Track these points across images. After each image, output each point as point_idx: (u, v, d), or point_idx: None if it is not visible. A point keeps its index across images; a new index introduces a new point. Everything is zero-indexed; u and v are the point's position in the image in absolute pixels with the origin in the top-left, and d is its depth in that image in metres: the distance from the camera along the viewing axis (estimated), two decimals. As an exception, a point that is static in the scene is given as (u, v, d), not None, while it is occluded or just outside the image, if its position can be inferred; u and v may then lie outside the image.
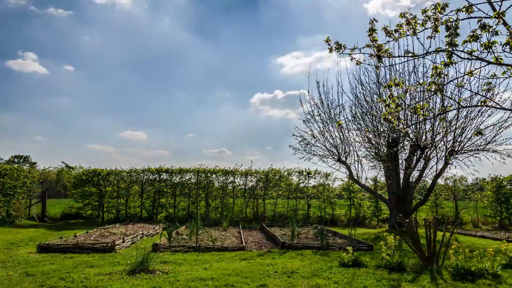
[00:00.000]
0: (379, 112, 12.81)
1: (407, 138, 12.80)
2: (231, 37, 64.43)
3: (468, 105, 11.22)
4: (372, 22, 4.61)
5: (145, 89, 67.71)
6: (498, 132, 11.95)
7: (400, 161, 13.70)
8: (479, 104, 5.03)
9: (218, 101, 68.24)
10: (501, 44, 3.86)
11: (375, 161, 14.13)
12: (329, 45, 4.83)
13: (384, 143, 13.58)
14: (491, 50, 3.94)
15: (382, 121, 12.73)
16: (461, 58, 4.25)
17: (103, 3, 61.09)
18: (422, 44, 4.38)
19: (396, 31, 4.47)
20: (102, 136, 73.53)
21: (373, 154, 13.86)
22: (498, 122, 11.86)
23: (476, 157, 12.61)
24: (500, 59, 4.04)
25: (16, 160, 67.27)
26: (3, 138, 72.03)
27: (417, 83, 11.38)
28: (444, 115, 10.14)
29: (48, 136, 72.83)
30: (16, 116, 67.14)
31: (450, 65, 4.33)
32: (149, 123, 71.79)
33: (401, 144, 13.36)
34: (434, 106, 11.83)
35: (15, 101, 66.34)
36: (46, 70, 63.46)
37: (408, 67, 12.80)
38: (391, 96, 5.04)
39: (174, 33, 59.02)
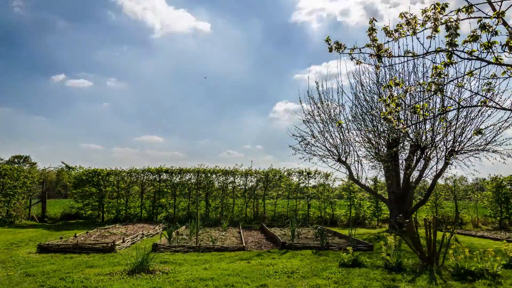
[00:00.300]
0: (379, 112, 12.81)
1: (407, 138, 12.80)
2: (265, 58, 74.61)
3: (468, 105, 11.22)
4: (372, 21, 4.61)
5: (180, 100, 77.51)
6: (498, 132, 11.95)
7: (400, 161, 13.69)
8: (479, 104, 5.03)
9: (241, 111, 78.00)
10: (501, 45, 3.86)
11: (375, 161, 14.13)
12: (329, 44, 4.82)
13: (384, 143, 13.58)
14: (491, 50, 3.94)
15: (382, 121, 12.73)
16: (461, 58, 4.25)
17: (161, 36, 71.77)
18: (422, 44, 4.38)
19: (396, 31, 4.47)
20: (127, 139, 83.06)
21: (373, 154, 13.86)
22: (498, 122, 11.87)
23: (476, 157, 12.61)
24: (500, 59, 4.04)
25: (16, 160, 67.54)
26: (41, 141, 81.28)
27: (417, 83, 11.39)
28: (444, 115, 10.14)
29: (79, 138, 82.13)
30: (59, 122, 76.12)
31: (450, 65, 4.33)
32: (174, 129, 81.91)
33: (401, 144, 13.36)
34: (434, 106, 11.82)
35: (63, 110, 75.59)
36: (92, 84, 72.65)
37: (408, 67, 12.80)
38: (391, 96, 5.04)
39: (212, 54, 70.57)
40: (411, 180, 13.42)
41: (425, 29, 4.31)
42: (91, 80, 74.12)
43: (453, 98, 10.73)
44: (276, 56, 78.05)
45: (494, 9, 3.96)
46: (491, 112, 11.78)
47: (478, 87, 10.85)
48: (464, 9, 3.97)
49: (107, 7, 68.07)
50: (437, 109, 11.49)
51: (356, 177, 13.95)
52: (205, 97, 79.02)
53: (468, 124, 11.99)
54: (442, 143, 12.55)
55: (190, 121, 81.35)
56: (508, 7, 3.85)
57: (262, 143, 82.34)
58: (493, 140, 12.04)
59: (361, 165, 13.94)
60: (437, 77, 4.53)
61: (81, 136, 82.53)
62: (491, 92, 10.06)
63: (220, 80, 76.68)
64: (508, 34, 3.77)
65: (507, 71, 4.24)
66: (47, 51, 63.66)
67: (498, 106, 5.41)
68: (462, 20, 4.05)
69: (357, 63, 4.95)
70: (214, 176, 17.20)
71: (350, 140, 13.82)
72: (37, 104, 77.88)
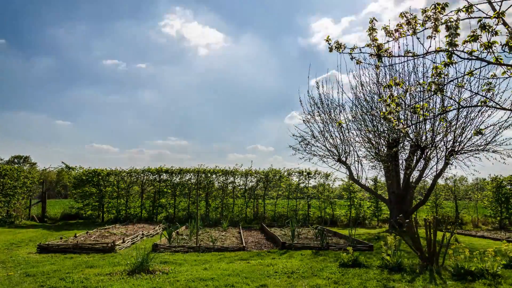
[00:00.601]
0: (379, 112, 12.82)
1: (407, 138, 12.80)
2: (286, 72, 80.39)
3: (468, 105, 11.22)
4: (372, 21, 4.61)
5: (202, 108, 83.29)
6: (498, 132, 11.96)
7: (400, 161, 13.70)
8: (479, 104, 5.02)
9: (259, 118, 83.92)
10: (501, 44, 3.86)
11: (375, 161, 14.13)
12: (329, 44, 4.82)
13: (384, 143, 13.58)
14: (491, 50, 3.94)
15: (382, 121, 12.73)
16: (461, 58, 4.24)
17: (196, 54, 79.45)
18: (422, 44, 4.38)
19: (396, 30, 4.47)
20: (145, 142, 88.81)
21: (373, 154, 13.86)
22: (498, 122, 11.87)
23: (476, 157, 12.62)
24: (500, 59, 4.04)
25: (16, 160, 67.62)
26: (67, 144, 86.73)
27: (417, 83, 11.39)
28: (444, 115, 10.14)
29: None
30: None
31: (450, 65, 4.33)
32: (191, 133, 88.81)
33: (401, 144, 13.36)
34: (434, 106, 11.83)
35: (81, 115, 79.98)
36: (125, 95, 79.05)
37: (408, 67, 12.79)
38: (391, 96, 5.04)
39: (240, 67, 77.59)
40: (411, 180, 13.42)
41: (425, 29, 4.31)
42: (124, 91, 79.68)
43: (453, 98, 10.73)
44: (295, 71, 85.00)
45: (494, 9, 3.96)
46: (491, 112, 11.78)
47: (478, 87, 10.85)
48: (464, 9, 3.97)
49: (149, 28, 75.01)
50: (437, 109, 11.49)
51: (356, 177, 13.94)
52: (228, 106, 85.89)
53: (468, 124, 12.00)
54: (442, 143, 12.56)
55: (211, 126, 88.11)
56: (508, 7, 3.85)
57: (274, 145, 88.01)
58: (493, 140, 12.04)
59: (361, 165, 13.96)
60: (437, 77, 4.53)
61: (98, 138, 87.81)
62: (491, 92, 10.04)
63: (244, 92, 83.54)
64: (508, 34, 3.77)
65: (507, 71, 4.24)
66: (89, 65, 70.31)
67: (498, 106, 5.41)
68: (462, 20, 4.05)
69: (357, 63, 4.95)
70: (214, 176, 17.19)
71: (350, 140, 13.84)
72: (66, 110, 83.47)
